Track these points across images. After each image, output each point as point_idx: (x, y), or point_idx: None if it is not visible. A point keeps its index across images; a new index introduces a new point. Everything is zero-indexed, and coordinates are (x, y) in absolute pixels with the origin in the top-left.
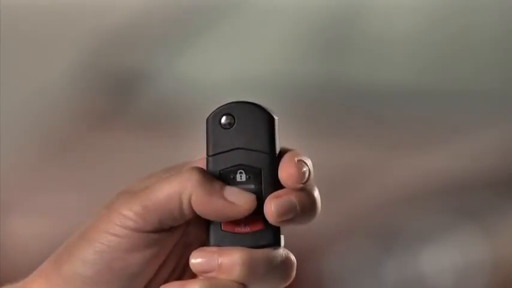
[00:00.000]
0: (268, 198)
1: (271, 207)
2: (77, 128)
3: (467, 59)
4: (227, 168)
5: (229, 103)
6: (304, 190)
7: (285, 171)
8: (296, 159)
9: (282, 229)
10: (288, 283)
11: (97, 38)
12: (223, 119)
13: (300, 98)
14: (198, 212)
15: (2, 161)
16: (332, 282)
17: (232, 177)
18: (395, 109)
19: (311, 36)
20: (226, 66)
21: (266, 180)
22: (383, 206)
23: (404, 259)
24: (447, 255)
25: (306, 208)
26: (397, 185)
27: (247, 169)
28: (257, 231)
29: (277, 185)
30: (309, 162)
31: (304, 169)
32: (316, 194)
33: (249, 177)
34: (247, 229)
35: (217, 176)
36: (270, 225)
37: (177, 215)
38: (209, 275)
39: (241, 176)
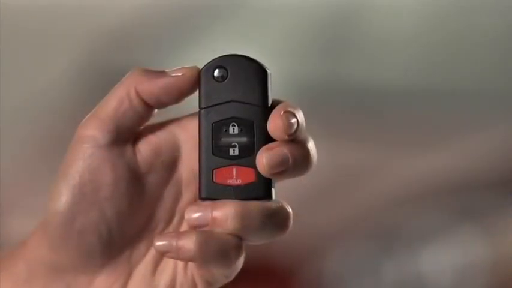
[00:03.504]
0: (260, 150)
1: (263, 159)
2: (76, 128)
3: (467, 59)
4: (220, 120)
5: (222, 56)
6: (297, 142)
7: (272, 123)
8: (283, 110)
9: (274, 182)
10: (284, 233)
11: (97, 38)
12: (216, 72)
13: (300, 98)
14: (148, 99)
15: (2, 161)
16: (332, 282)
17: (224, 129)
18: (396, 109)
19: (311, 36)
20: None
21: (258, 133)
22: (383, 206)
23: (404, 259)
24: (447, 255)
25: (298, 160)
26: (397, 185)
27: (240, 122)
28: (249, 183)
29: (269, 138)
30: (299, 114)
31: (292, 120)
32: (310, 145)
33: (242, 129)
34: (238, 181)
35: (209, 128)
36: (262, 177)
37: (130, 113)
38: (204, 228)
39: (233, 129)
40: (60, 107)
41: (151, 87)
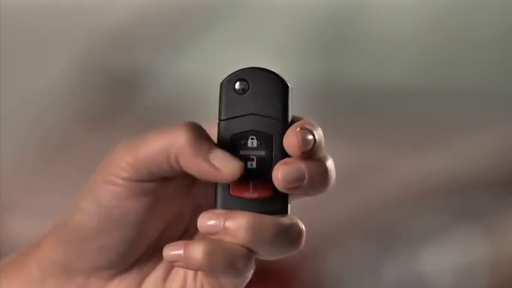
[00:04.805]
0: (277, 164)
1: (279, 174)
2: (77, 128)
3: (467, 59)
4: (239, 133)
5: (244, 68)
6: (315, 159)
7: (288, 139)
8: (299, 127)
9: (290, 198)
10: (296, 250)
11: (97, 38)
12: (238, 84)
13: (300, 98)
14: (184, 169)
15: (2, 161)
16: (332, 282)
17: (243, 142)
18: (395, 109)
19: (311, 36)
20: (226, 66)
21: (277, 147)
22: (383, 206)
23: (404, 259)
24: (447, 255)
25: (315, 177)
26: (398, 185)
27: (259, 135)
28: (265, 197)
29: (287, 153)
30: (317, 131)
31: (308, 137)
32: (329, 164)
33: (260, 143)
34: (255, 195)
35: (228, 141)
36: (279, 192)
37: (165, 168)
38: (215, 237)
39: (252, 142)
40: (60, 107)
41: (191, 166)
